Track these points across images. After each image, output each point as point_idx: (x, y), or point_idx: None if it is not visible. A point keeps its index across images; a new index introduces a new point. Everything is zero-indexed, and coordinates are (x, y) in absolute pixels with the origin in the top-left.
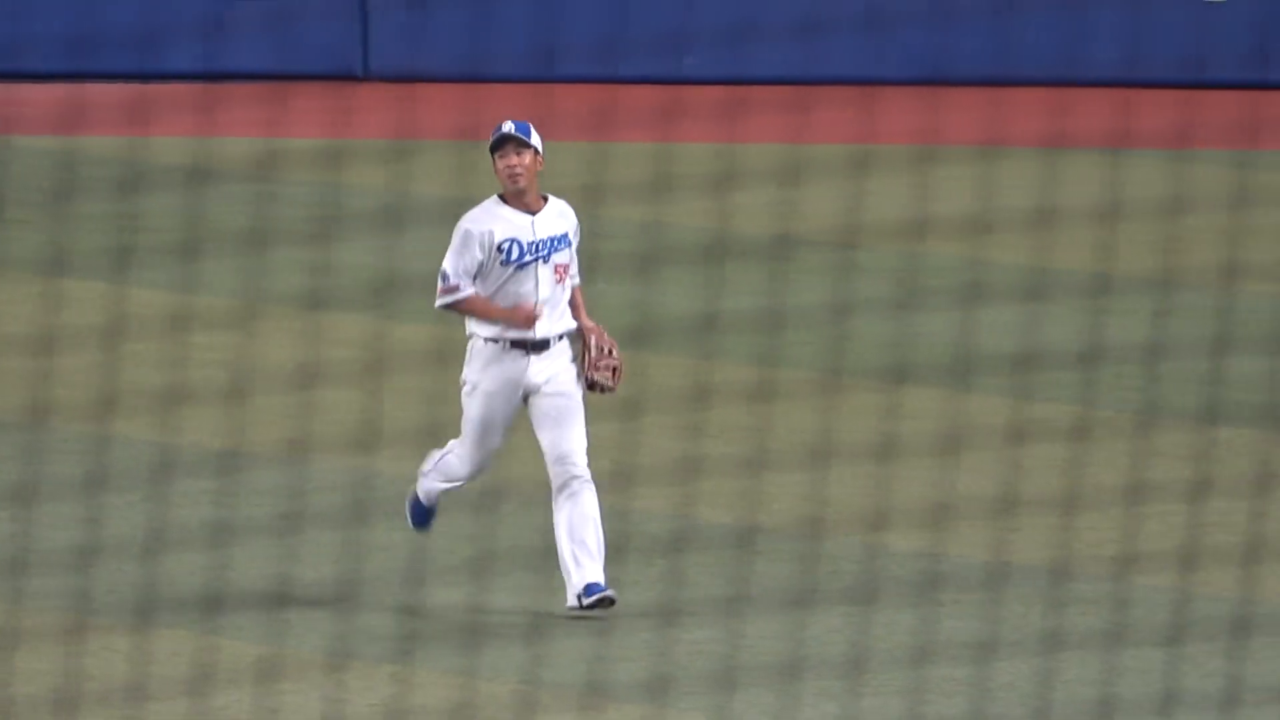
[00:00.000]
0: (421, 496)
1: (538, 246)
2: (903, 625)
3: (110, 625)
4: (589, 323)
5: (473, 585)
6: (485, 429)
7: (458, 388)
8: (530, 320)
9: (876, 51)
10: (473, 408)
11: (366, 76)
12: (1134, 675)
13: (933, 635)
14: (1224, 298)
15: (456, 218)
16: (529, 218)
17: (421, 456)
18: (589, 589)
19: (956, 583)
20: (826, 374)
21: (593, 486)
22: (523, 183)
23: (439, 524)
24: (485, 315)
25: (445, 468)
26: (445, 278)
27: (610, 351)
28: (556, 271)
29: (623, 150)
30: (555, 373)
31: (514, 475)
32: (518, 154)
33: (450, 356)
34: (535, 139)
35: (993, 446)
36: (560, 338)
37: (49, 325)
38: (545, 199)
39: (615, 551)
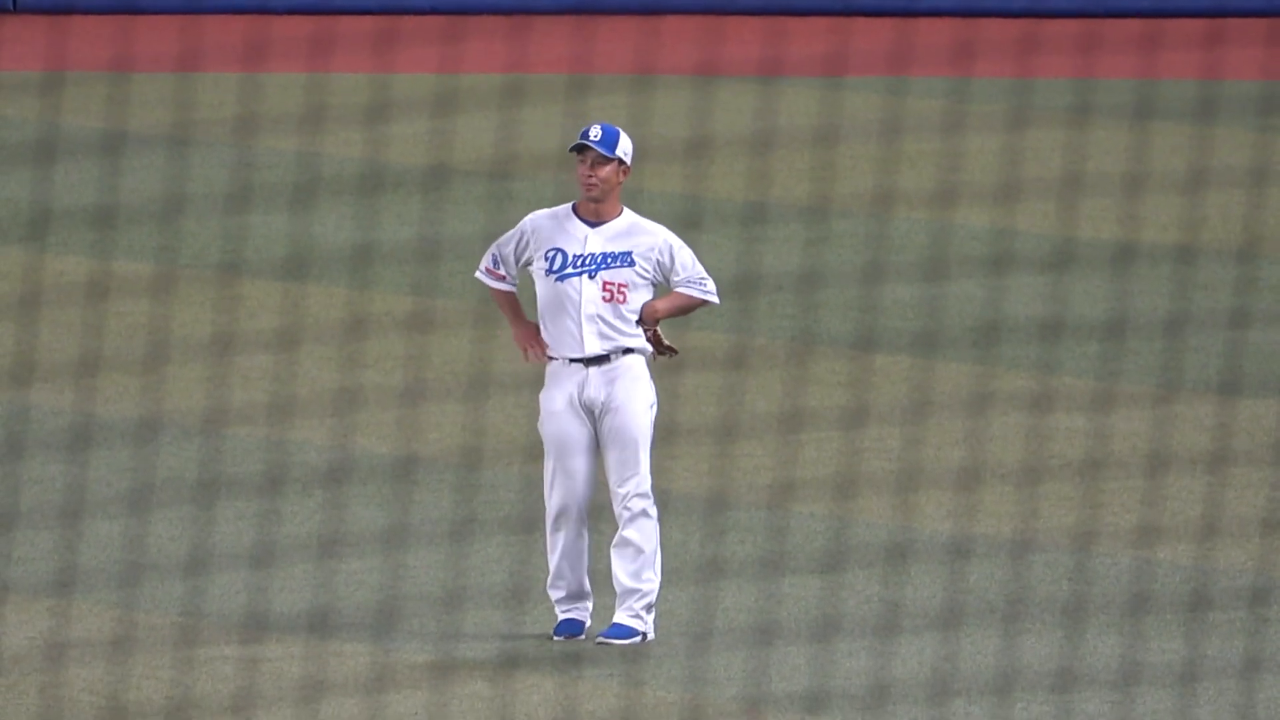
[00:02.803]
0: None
1: (584, 260)
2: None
3: None
4: (657, 311)
5: (131, 518)
6: (558, 450)
7: (113, 320)
8: (525, 350)
9: None
10: (544, 431)
11: (16, 9)
12: (792, 602)
13: (595, 564)
14: (877, 224)
15: (109, 149)
16: (587, 230)
17: (77, 389)
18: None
19: (612, 512)
20: (481, 303)
21: (646, 518)
22: (597, 193)
23: (98, 456)
24: (503, 311)
25: (547, 516)
26: (496, 262)
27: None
28: (605, 289)
29: (275, 81)
30: (617, 391)
31: (171, 408)
32: (596, 165)
33: (108, 289)
34: (623, 147)
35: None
36: (626, 352)
37: None
38: (623, 212)
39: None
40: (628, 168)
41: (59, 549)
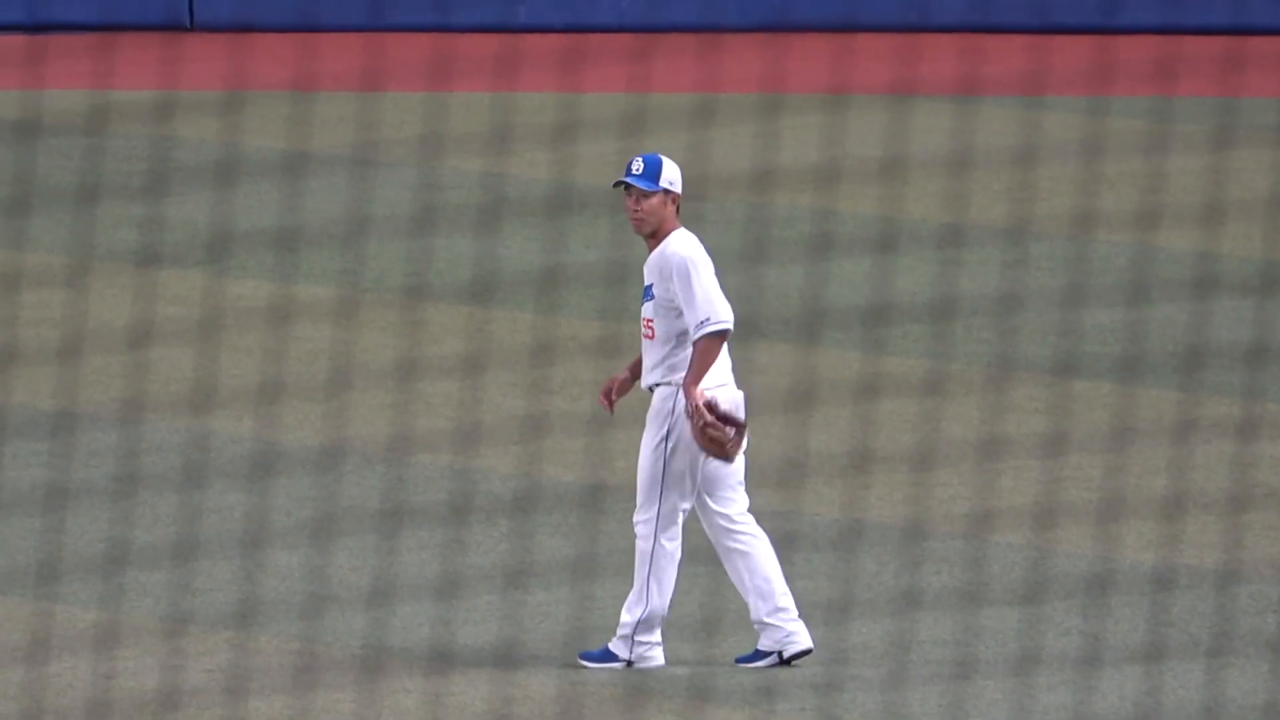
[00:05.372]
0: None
1: (643, 294)
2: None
3: None
4: (689, 389)
5: (312, 548)
6: None
7: (295, 345)
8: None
9: None
10: None
11: (194, 27)
12: (991, 635)
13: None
14: (1077, 247)
15: (290, 170)
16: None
17: (258, 416)
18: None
19: (809, 541)
20: None
21: (647, 546)
22: (643, 229)
23: (278, 484)
24: None
25: None
26: None
27: (707, 420)
28: (643, 325)
29: (460, 100)
30: (648, 423)
31: (353, 435)
32: (640, 200)
33: (289, 314)
34: (667, 176)
35: (842, 402)
36: (658, 386)
37: None
38: (667, 240)
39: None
40: (677, 195)
41: (239, 580)
